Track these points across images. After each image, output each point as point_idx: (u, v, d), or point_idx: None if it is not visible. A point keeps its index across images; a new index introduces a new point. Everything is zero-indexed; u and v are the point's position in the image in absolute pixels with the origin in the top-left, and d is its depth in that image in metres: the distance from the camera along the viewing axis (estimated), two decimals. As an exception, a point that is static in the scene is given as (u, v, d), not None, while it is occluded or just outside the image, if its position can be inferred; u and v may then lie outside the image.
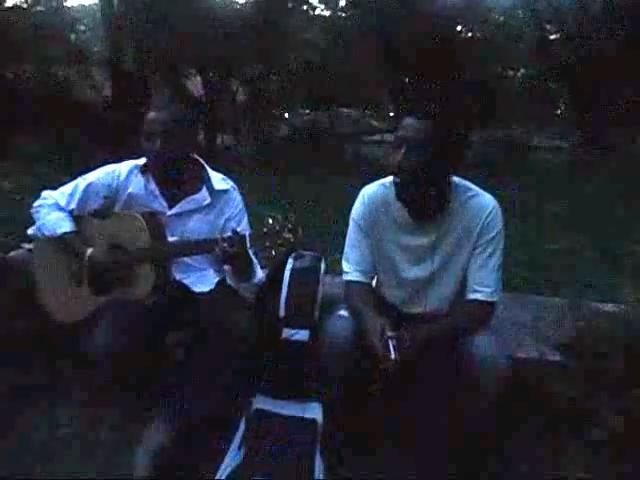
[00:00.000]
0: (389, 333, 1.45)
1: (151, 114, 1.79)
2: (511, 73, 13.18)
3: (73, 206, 1.87)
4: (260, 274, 1.90)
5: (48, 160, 5.37)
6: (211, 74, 10.86)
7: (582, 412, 1.63)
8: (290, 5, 11.11)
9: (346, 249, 1.73)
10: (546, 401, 1.69)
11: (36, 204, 1.89)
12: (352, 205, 1.73)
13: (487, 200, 1.61)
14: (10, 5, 10.46)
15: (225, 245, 1.62)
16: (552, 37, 11.27)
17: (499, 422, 1.62)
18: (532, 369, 1.72)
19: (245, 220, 1.93)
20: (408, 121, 1.51)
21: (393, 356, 1.41)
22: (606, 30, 8.98)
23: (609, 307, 1.85)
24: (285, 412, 1.84)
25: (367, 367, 1.53)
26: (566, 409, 1.65)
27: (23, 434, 1.86)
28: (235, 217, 1.91)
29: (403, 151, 1.50)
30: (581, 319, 1.74)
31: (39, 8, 11.21)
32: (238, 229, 1.70)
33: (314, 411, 1.82)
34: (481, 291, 1.58)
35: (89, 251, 1.80)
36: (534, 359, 1.77)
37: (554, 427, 1.70)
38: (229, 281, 1.90)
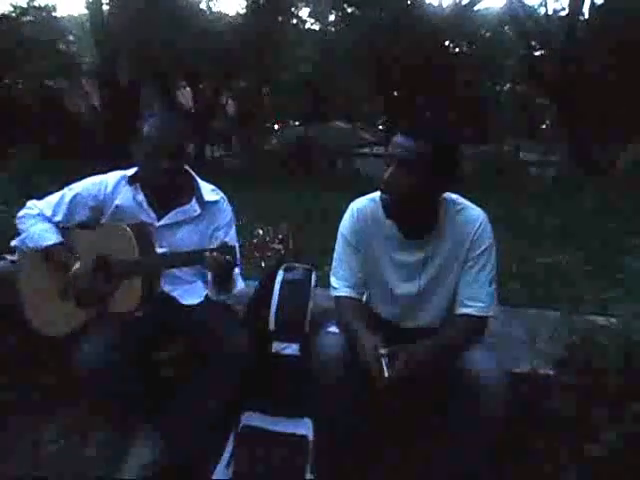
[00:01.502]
0: (382, 351, 1.42)
1: (153, 130, 1.74)
2: (498, 88, 13.41)
3: (59, 218, 1.82)
4: (241, 285, 1.87)
5: (33, 167, 5.29)
6: (201, 86, 10.91)
7: (579, 427, 1.61)
8: (280, 19, 11.23)
9: (334, 264, 1.70)
10: (542, 416, 1.66)
11: (20, 214, 1.84)
12: (342, 217, 1.70)
13: (476, 213, 1.60)
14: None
15: (215, 255, 1.60)
16: (537, 53, 11.49)
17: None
18: (527, 384, 1.70)
19: (233, 231, 1.90)
20: (398, 139, 1.49)
21: (387, 374, 1.39)
22: (592, 45, 9.17)
23: (604, 320, 1.83)
24: (275, 428, 1.80)
25: (359, 384, 1.49)
26: (562, 424, 1.63)
27: (8, 450, 1.83)
28: (223, 227, 1.88)
29: (392, 169, 1.48)
30: (576, 333, 1.72)
31: (28, 18, 11.21)
32: (226, 239, 1.70)
33: (305, 427, 1.79)
34: (472, 306, 1.55)
35: (74, 267, 1.74)
36: (529, 373, 1.74)
37: (551, 442, 1.68)
38: (208, 292, 1.86)
